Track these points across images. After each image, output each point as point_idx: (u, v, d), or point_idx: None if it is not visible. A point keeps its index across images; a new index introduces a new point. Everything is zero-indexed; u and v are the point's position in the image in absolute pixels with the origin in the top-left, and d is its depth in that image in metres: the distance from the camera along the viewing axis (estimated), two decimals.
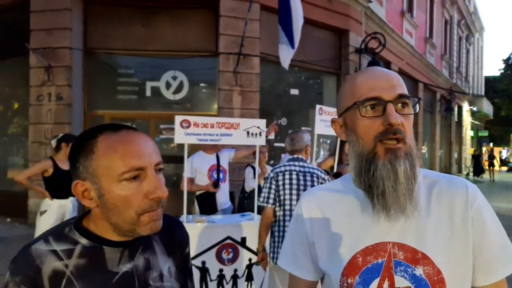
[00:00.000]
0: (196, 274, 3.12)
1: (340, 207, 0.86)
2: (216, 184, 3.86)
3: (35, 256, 0.73)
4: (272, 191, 2.52)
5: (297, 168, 2.60)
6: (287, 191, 2.51)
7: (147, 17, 6.59)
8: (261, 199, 2.55)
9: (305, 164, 2.65)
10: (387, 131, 0.75)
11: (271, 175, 2.56)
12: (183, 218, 3.27)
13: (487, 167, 19.34)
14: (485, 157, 20.70)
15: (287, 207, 2.52)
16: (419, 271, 0.75)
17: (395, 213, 0.76)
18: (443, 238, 0.77)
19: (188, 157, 3.37)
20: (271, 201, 2.51)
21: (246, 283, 3.23)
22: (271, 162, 7.25)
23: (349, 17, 8.35)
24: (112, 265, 0.77)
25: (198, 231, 3.17)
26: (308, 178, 2.57)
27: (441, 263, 0.75)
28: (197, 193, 3.88)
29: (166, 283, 0.84)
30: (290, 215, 2.50)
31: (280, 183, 2.52)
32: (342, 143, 4.18)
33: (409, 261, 0.76)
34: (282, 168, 2.58)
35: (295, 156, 2.68)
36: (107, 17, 6.53)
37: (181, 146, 3.39)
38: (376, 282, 0.77)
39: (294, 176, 2.55)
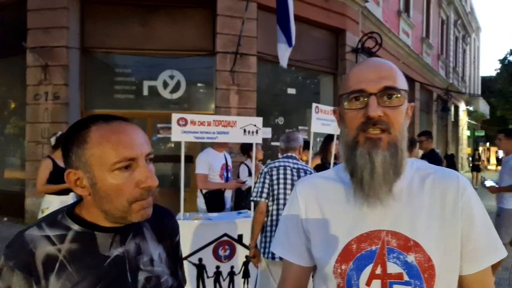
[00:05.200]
0: (193, 271, 3.14)
1: (335, 194, 0.89)
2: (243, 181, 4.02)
3: (28, 241, 0.74)
4: (266, 185, 2.54)
5: (291, 165, 2.63)
6: (281, 185, 2.53)
7: (144, 16, 6.60)
8: (254, 194, 2.56)
9: (298, 162, 2.70)
10: (367, 122, 0.78)
11: (265, 170, 2.59)
12: (180, 215, 3.28)
13: (470, 171, 16.48)
14: (483, 157, 19.37)
15: (281, 201, 2.54)
16: (410, 258, 0.78)
17: (374, 202, 0.80)
18: (434, 226, 0.80)
19: (185, 155, 3.38)
20: (264, 195, 2.53)
21: (242, 280, 3.25)
22: (268, 161, 7.27)
23: (345, 17, 8.39)
24: (104, 249, 0.79)
25: (195, 228, 3.19)
26: (302, 174, 2.60)
27: (432, 251, 0.78)
28: (204, 191, 3.88)
29: (156, 267, 0.86)
30: (283, 206, 2.52)
31: (274, 177, 2.54)
32: (326, 142, 4.23)
33: (402, 248, 0.79)
34: (277, 164, 2.62)
35: (289, 154, 2.72)
36: (104, 16, 6.53)
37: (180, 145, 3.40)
38: (369, 268, 0.80)
39: (288, 171, 2.57)
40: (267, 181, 2.54)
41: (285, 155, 2.72)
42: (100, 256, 0.78)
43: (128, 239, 0.83)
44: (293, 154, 2.72)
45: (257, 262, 2.66)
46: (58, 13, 6.11)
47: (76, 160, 0.76)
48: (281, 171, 2.56)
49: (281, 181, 2.53)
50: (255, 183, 2.63)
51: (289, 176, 2.56)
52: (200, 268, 3.17)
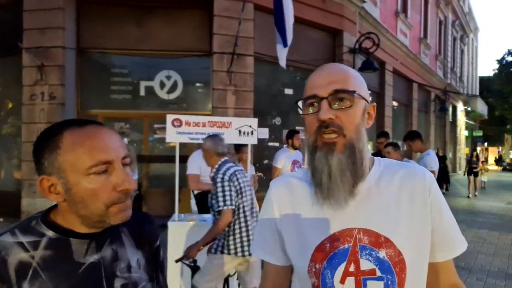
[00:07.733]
0: (187, 272, 3.13)
1: (307, 194, 0.90)
2: None
3: (1, 248, 0.73)
4: (233, 193, 2.65)
5: (238, 168, 2.81)
6: (245, 188, 2.72)
7: (140, 17, 6.59)
8: (222, 203, 2.61)
9: (234, 163, 2.87)
10: (321, 126, 0.82)
11: (226, 178, 2.66)
12: (175, 216, 3.28)
13: (466, 174, 12.91)
14: (482, 157, 17.75)
15: (247, 203, 2.76)
16: (382, 253, 0.81)
17: (335, 203, 0.82)
18: (404, 221, 0.83)
19: (182, 155, 3.38)
20: (233, 202, 2.65)
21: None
22: (265, 161, 7.28)
23: (343, 17, 8.39)
24: (79, 256, 0.78)
25: (190, 229, 3.18)
26: (244, 174, 2.81)
27: (402, 245, 0.81)
28: (195, 192, 3.87)
29: (134, 274, 0.85)
30: (249, 210, 2.78)
31: (237, 182, 2.67)
32: None
33: (373, 245, 0.81)
34: (232, 170, 2.72)
35: (226, 158, 2.83)
36: (100, 17, 6.52)
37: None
38: (342, 266, 0.82)
39: (241, 174, 2.76)
40: (233, 188, 2.65)
41: (224, 159, 2.80)
42: (74, 263, 0.77)
43: (105, 245, 0.82)
44: (227, 158, 2.85)
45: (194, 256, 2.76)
46: (54, 13, 6.10)
47: (49, 166, 0.75)
48: (239, 175, 2.72)
49: (242, 184, 2.70)
50: (218, 191, 2.65)
51: (245, 179, 2.75)
52: (195, 269, 3.15)
